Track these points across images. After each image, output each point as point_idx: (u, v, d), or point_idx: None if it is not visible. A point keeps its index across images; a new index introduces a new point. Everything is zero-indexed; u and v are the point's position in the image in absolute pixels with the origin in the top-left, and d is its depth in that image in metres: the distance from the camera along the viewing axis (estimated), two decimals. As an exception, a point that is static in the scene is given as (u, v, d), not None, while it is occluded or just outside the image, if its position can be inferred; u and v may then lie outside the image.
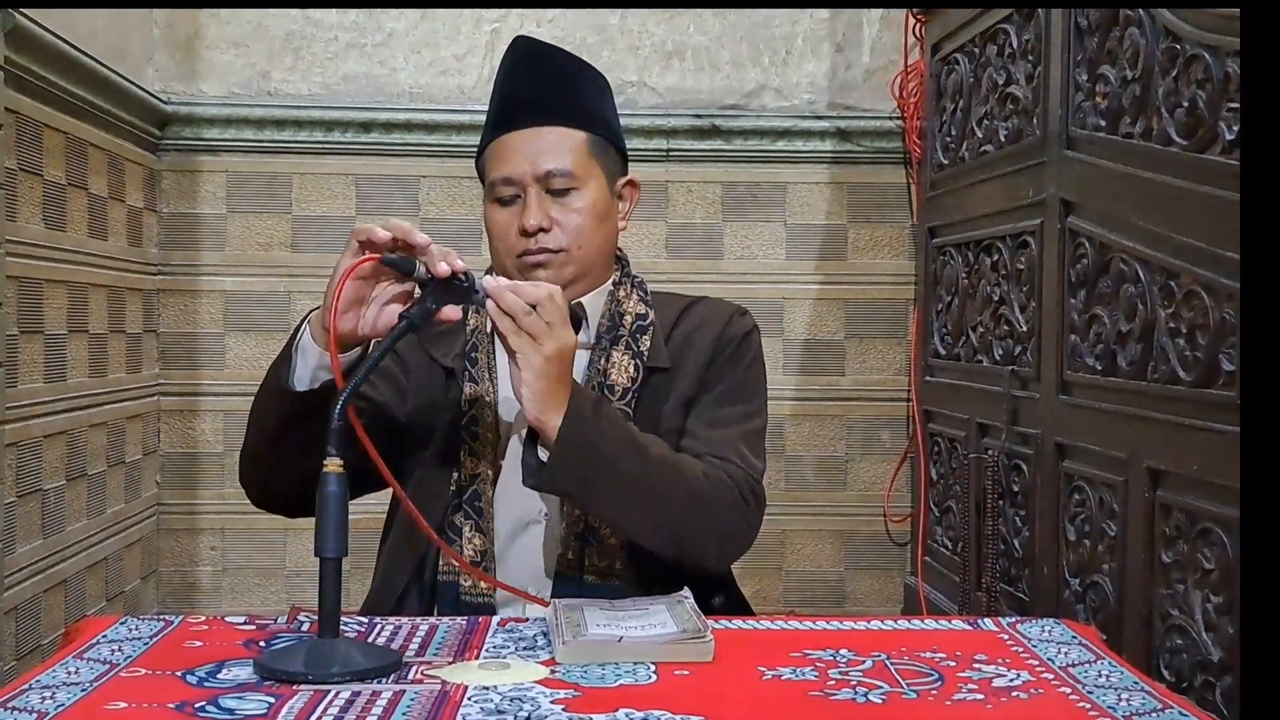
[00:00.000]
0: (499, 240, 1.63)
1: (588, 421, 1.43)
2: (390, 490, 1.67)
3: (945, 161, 2.78)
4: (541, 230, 1.60)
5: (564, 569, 1.56)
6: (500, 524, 1.59)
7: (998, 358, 2.43)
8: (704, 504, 1.51)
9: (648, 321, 1.66)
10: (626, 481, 1.46)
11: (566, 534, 1.56)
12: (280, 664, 1.18)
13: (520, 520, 1.60)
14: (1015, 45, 2.38)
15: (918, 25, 2.95)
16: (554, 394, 1.41)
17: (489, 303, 1.40)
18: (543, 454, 1.44)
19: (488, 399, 1.60)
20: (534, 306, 1.39)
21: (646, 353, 1.63)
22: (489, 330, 1.64)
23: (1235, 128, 1.59)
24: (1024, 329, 2.31)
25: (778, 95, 3.11)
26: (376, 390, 1.63)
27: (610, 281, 1.69)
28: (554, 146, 1.61)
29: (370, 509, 1.65)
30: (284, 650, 1.23)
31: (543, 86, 1.64)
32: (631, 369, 1.62)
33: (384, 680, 1.17)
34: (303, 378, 1.46)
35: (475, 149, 1.72)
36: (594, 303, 1.66)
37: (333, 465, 1.21)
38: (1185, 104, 1.72)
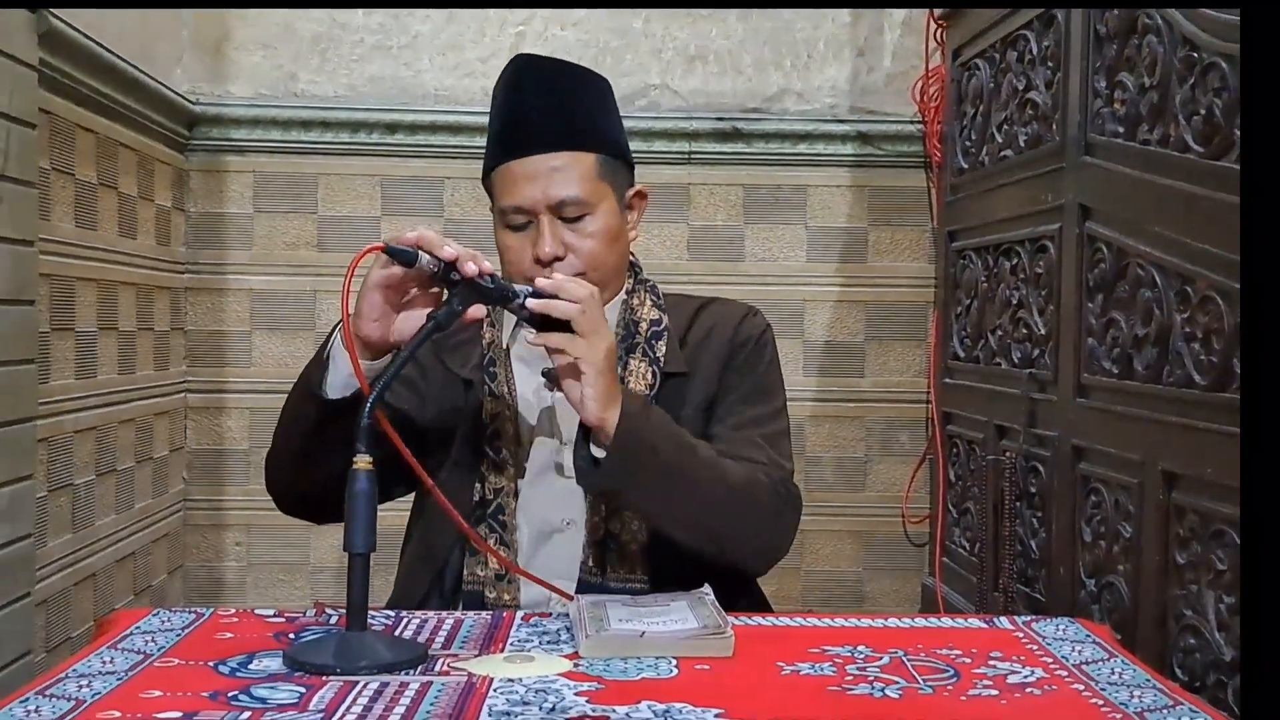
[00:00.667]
0: (512, 265, 1.62)
1: (641, 418, 1.45)
2: (411, 497, 1.70)
3: (965, 166, 2.80)
4: (556, 259, 1.59)
5: (586, 575, 1.57)
6: (523, 536, 1.61)
7: (1016, 361, 2.44)
8: (745, 505, 1.53)
9: (662, 327, 1.67)
10: (675, 478, 1.48)
11: (587, 542, 1.58)
12: (309, 656, 1.21)
13: (542, 531, 1.61)
14: (1035, 51, 2.39)
15: (939, 30, 2.96)
16: (611, 393, 1.43)
17: (532, 311, 1.41)
18: (598, 452, 1.45)
19: (508, 412, 1.62)
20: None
21: (663, 358, 1.64)
22: (504, 344, 1.66)
23: (1251, 135, 1.60)
24: (1042, 332, 2.32)
25: (799, 99, 3.13)
26: (397, 398, 1.62)
27: (624, 290, 1.70)
28: (565, 174, 1.59)
29: (395, 507, 1.68)
30: (313, 642, 1.26)
31: (548, 106, 1.62)
32: (649, 375, 1.63)
33: (411, 672, 1.19)
34: (335, 384, 1.48)
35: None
36: (609, 313, 1.67)
37: (362, 463, 1.23)
38: (1202, 111, 1.73)
